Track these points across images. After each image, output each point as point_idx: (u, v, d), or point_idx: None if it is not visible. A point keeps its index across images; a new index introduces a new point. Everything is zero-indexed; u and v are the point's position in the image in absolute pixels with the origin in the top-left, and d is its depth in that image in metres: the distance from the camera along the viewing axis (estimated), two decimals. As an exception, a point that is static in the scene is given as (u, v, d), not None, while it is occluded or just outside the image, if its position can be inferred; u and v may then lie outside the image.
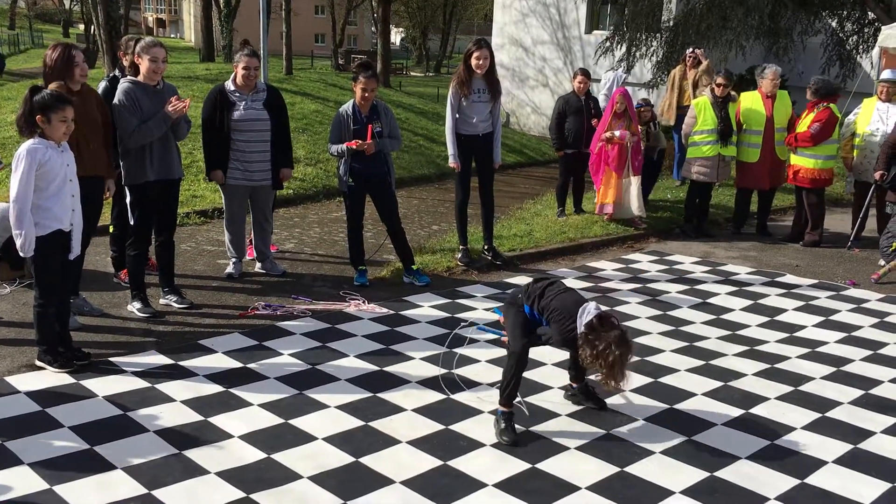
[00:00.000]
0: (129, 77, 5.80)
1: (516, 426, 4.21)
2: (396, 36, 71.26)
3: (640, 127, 9.44)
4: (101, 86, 6.35)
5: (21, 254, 4.62)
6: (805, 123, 8.69)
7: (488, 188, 7.52)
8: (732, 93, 9.25)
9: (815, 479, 3.86)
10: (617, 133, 8.89)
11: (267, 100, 6.68)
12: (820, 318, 6.40)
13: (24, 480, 3.58)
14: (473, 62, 7.13)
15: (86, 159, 5.28)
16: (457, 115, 7.24)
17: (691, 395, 4.81)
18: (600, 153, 9.10)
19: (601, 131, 9.04)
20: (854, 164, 8.98)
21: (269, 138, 6.67)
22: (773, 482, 3.82)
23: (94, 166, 5.43)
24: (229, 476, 3.71)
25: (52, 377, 4.68)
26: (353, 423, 4.29)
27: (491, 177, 7.53)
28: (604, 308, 4.09)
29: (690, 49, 11.82)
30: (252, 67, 6.56)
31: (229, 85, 6.65)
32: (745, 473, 3.90)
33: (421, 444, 4.09)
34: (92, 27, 30.86)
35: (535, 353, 5.39)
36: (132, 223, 5.85)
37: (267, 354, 5.20)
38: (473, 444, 4.10)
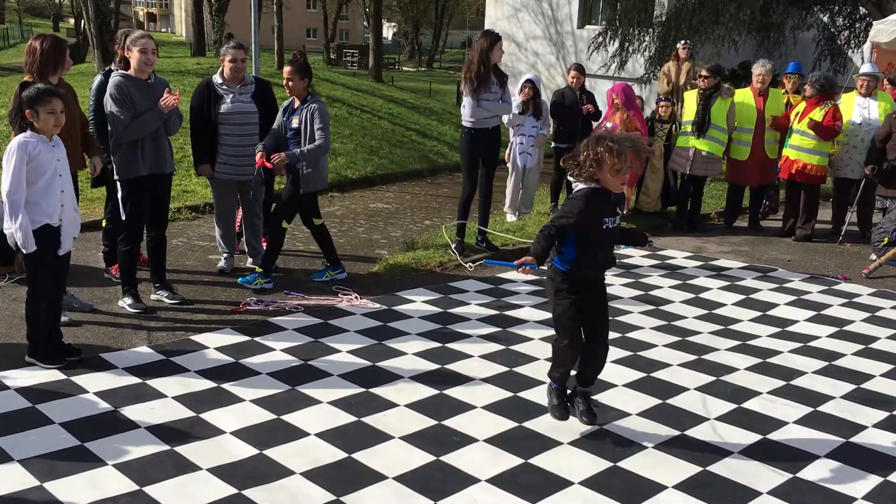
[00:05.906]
0: (119, 71, 5.74)
1: (511, 421, 4.20)
2: (388, 30, 71.07)
3: (665, 125, 9.52)
4: (97, 80, 6.27)
5: (23, 250, 4.56)
6: (813, 118, 8.55)
7: (490, 180, 7.62)
8: (727, 86, 9.23)
9: (807, 473, 3.87)
10: (608, 125, 8.88)
11: (255, 92, 6.63)
12: (812, 313, 6.41)
13: (15, 477, 3.56)
14: (497, 54, 7.16)
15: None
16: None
17: (684, 389, 4.82)
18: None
19: (599, 127, 9.03)
20: (835, 159, 8.97)
21: (258, 132, 6.61)
22: (765, 476, 3.83)
23: (71, 162, 5.32)
24: (221, 472, 3.69)
25: (42, 373, 4.65)
26: (346, 418, 4.28)
27: (494, 169, 7.66)
28: None
29: (681, 42, 11.83)
30: (239, 59, 6.51)
31: (217, 78, 6.59)
32: (737, 468, 3.90)
33: (413, 439, 4.08)
34: (82, 21, 30.69)
35: (528, 348, 5.39)
36: (123, 218, 5.81)
37: (259, 350, 5.18)
38: (466, 440, 4.09)
